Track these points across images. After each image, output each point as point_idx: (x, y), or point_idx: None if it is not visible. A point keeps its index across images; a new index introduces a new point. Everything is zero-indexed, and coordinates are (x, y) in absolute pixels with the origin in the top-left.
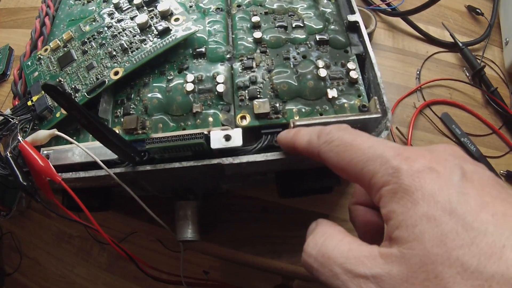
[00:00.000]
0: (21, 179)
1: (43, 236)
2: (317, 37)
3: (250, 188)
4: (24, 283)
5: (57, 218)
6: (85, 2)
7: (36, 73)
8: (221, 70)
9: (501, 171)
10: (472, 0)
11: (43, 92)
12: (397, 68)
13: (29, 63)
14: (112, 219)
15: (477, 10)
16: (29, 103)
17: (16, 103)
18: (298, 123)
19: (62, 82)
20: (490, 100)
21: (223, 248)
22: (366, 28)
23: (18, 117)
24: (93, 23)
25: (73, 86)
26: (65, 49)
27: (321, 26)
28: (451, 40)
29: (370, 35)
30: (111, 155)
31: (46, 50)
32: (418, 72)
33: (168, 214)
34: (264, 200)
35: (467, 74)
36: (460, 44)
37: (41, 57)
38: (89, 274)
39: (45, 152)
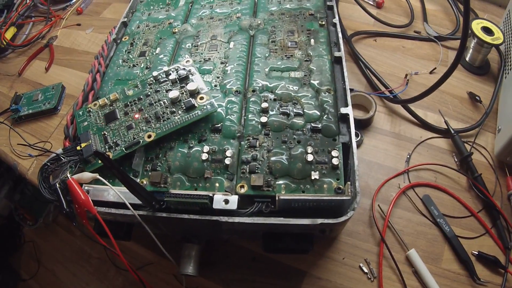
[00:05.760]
0: (65, 205)
1: (63, 251)
2: (312, 125)
3: (245, 240)
4: None
5: (80, 236)
6: (131, 65)
7: (86, 123)
8: (231, 146)
9: (473, 252)
10: (474, 87)
11: (90, 141)
12: (389, 151)
13: (81, 113)
14: (132, 249)
15: (477, 97)
16: (78, 147)
17: (67, 144)
18: (282, 197)
19: (106, 135)
20: (473, 185)
21: (217, 285)
22: (368, 112)
23: (68, 158)
24: (135, 89)
25: (114, 141)
26: (111, 107)
27: (317, 116)
28: (446, 126)
29: (370, 119)
30: (138, 200)
31: (95, 105)
32: (408, 156)
33: (176, 252)
34: (254, 252)
35: (456, 159)
36: (452, 131)
37: (91, 110)
38: None
39: (86, 187)
